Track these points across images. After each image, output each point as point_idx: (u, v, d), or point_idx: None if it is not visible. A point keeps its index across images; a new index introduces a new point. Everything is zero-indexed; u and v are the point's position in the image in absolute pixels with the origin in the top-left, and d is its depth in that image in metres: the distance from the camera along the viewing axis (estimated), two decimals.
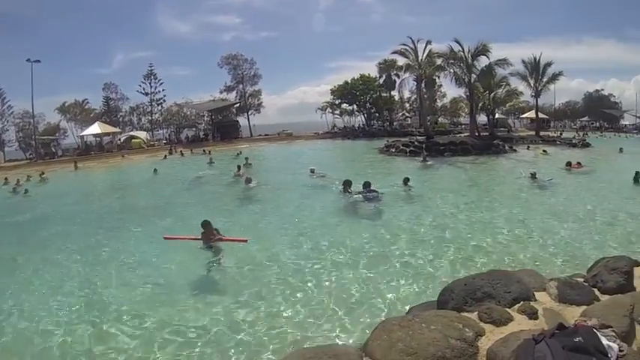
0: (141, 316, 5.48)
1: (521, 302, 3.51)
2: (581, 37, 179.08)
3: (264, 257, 7.49)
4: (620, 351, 2.56)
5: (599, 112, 71.99)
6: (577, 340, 2.47)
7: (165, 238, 7.58)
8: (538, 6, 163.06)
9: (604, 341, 2.56)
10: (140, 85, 53.61)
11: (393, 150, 28.20)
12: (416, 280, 6.28)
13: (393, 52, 35.09)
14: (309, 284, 6.23)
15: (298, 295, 5.92)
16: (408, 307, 4.65)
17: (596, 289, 3.99)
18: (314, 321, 5.14)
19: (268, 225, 10.22)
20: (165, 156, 32.17)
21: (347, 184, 12.34)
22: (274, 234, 9.19)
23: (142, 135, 45.51)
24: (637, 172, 15.33)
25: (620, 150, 31.73)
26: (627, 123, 71.69)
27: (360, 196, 11.45)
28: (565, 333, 2.57)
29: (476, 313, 3.30)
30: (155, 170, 22.13)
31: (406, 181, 13.35)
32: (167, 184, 18.48)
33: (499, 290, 3.65)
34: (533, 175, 15.85)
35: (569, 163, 19.13)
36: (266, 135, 48.08)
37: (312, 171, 16.84)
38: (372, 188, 11.61)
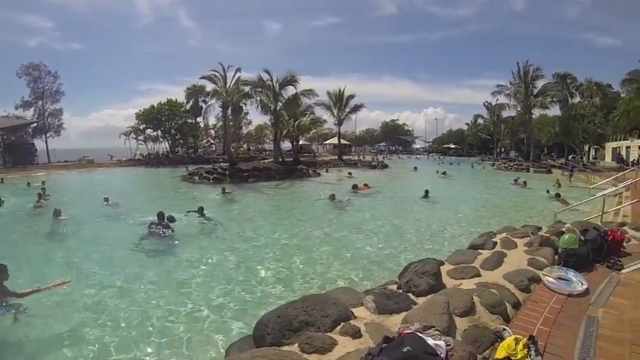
0: None
1: (342, 323, 3.55)
2: (381, 76, 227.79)
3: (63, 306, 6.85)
4: (448, 345, 2.81)
5: (394, 138, 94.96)
6: (405, 349, 2.56)
7: None
8: (346, 47, 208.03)
9: (430, 342, 2.73)
10: None
11: (197, 177, 29.81)
12: (228, 317, 6.32)
13: (202, 77, 36.92)
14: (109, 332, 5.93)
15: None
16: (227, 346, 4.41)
17: (411, 294, 4.39)
18: None
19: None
20: None
21: (160, 216, 11.76)
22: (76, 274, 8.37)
23: None
24: (426, 191, 19.55)
25: (415, 169, 41.22)
26: (418, 147, 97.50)
27: (153, 228, 11.30)
28: (392, 345, 2.65)
29: (296, 344, 3.21)
30: None
31: (201, 210, 13.45)
32: None
33: (316, 316, 3.64)
34: (332, 197, 18.11)
35: (355, 186, 22.32)
36: (66, 161, 46.13)
37: (106, 200, 17.22)
38: (165, 222, 11.56)
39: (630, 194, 14.32)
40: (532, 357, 3.06)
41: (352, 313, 3.80)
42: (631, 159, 37.62)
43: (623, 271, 5.38)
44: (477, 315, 3.70)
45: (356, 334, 3.33)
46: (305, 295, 4.31)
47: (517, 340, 3.18)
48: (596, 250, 5.75)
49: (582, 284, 4.64)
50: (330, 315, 3.62)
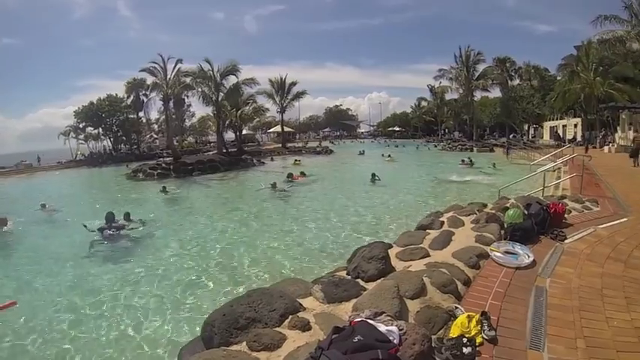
0: None
1: (290, 317, 3.46)
2: (324, 63, 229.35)
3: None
4: (400, 330, 2.78)
5: (339, 123, 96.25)
6: (356, 339, 2.51)
7: None
8: (290, 35, 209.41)
9: (382, 328, 2.69)
10: None
11: (141, 175, 29.99)
12: (181, 319, 6.33)
13: (142, 70, 36.18)
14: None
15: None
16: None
17: (360, 280, 4.37)
18: None
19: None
20: None
21: (109, 218, 11.44)
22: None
23: None
24: (373, 174, 20.18)
25: (362, 152, 42.44)
26: (363, 131, 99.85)
27: (104, 232, 10.97)
28: (342, 336, 2.58)
29: (245, 343, 3.13)
30: None
31: (127, 216, 12.72)
32: None
33: (263, 311, 3.54)
34: (273, 186, 18.43)
35: (290, 175, 22.74)
36: (2, 168, 44.88)
37: (43, 206, 16.86)
38: (114, 224, 11.31)
39: (568, 169, 15.31)
40: (485, 332, 3.13)
41: (300, 304, 3.72)
42: (567, 137, 40.28)
43: (566, 241, 5.69)
44: (429, 296, 3.73)
45: (305, 326, 3.26)
46: (250, 290, 4.20)
47: (470, 317, 3.24)
48: (539, 223, 6.04)
49: (529, 257, 4.84)
50: (277, 309, 3.53)
